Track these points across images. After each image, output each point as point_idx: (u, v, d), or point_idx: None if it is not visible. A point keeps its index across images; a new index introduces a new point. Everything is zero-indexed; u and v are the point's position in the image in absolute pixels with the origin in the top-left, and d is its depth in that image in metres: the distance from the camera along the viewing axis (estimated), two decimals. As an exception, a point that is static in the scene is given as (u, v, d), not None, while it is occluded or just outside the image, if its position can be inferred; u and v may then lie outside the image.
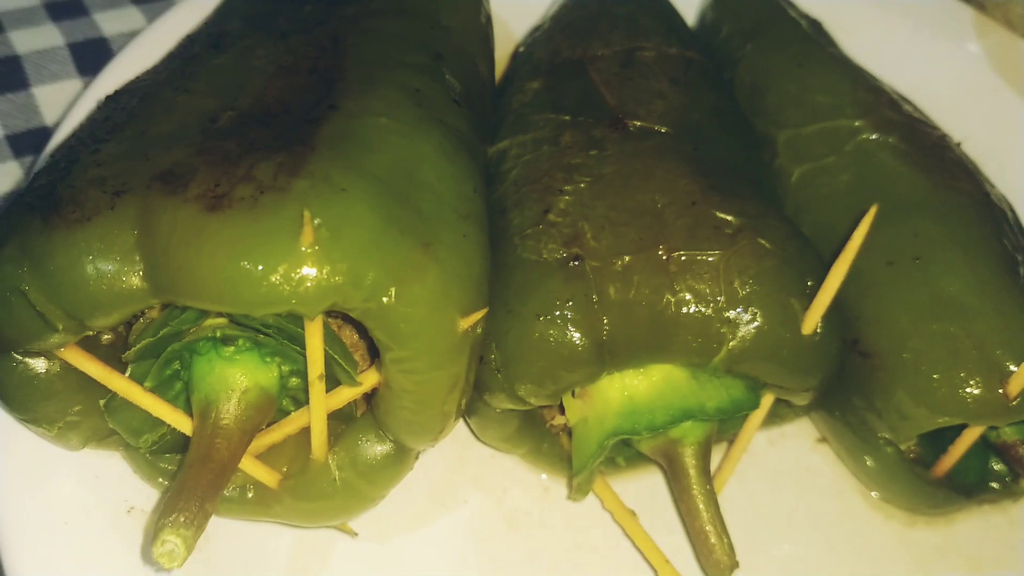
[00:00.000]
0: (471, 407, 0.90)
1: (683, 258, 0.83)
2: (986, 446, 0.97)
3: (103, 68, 1.11)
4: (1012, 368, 0.84)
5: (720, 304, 0.82)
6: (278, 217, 0.68)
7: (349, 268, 0.68)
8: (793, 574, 0.95)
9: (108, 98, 0.89)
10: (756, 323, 0.82)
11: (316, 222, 0.67)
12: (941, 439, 0.94)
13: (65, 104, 1.25)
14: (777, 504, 1.00)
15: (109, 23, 1.36)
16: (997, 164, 1.28)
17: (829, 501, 1.01)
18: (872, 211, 0.79)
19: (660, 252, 0.83)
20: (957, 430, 0.91)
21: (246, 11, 0.99)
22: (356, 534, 0.89)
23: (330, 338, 0.76)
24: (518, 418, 0.91)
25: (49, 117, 1.26)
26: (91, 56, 1.32)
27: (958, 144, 1.09)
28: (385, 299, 0.69)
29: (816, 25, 1.21)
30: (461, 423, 0.97)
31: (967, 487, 0.99)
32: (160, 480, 0.85)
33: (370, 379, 0.77)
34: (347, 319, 0.78)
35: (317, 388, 0.75)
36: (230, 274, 0.66)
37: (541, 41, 1.09)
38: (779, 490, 1.01)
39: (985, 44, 1.44)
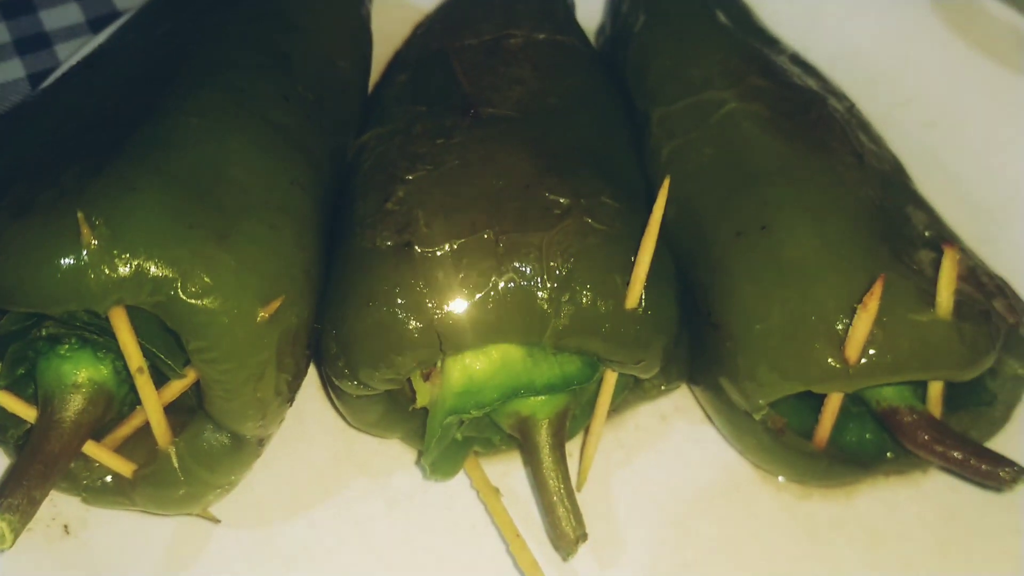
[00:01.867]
0: (338, 394, 0.94)
1: (510, 240, 0.84)
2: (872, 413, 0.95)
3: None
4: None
5: (542, 283, 0.83)
6: (66, 219, 0.72)
7: (130, 264, 0.72)
8: (674, 549, 0.95)
9: (-8, 122, 0.96)
10: (577, 300, 0.82)
11: (98, 221, 0.72)
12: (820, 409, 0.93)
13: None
14: (662, 479, 0.99)
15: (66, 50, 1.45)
16: (947, 120, 1.26)
17: (716, 474, 0.99)
18: (665, 183, 0.79)
19: (487, 236, 0.85)
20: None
21: (133, 30, 1.05)
22: (218, 521, 0.93)
23: (151, 332, 0.80)
24: (381, 403, 0.93)
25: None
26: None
27: (850, 106, 1.06)
28: (172, 292, 0.74)
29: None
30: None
31: (864, 458, 0.97)
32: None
33: (195, 372, 0.81)
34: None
35: (140, 381, 0.80)
36: (22, 275, 0.72)
37: (419, 36, 1.12)
38: (665, 465, 1.00)
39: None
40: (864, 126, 1.03)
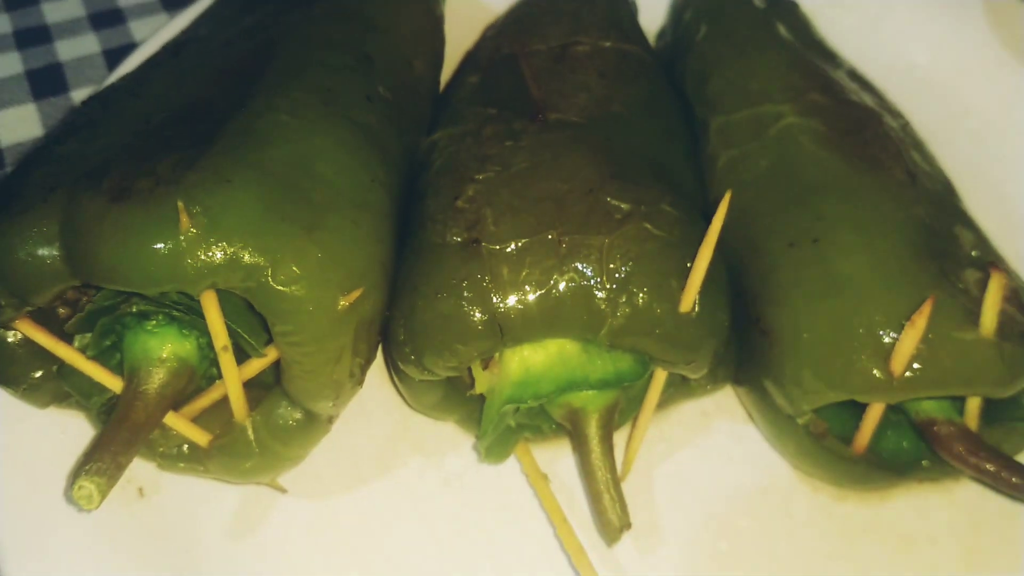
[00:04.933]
0: (401, 377, 0.99)
1: (573, 242, 0.89)
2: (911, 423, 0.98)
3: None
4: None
5: (601, 284, 0.87)
6: (165, 206, 0.78)
7: (225, 251, 0.78)
8: (711, 541, 0.99)
9: (82, 103, 1.01)
10: (633, 302, 0.87)
11: (196, 210, 0.77)
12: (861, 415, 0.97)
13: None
14: (702, 473, 1.04)
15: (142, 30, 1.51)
16: (1001, 138, 1.29)
17: (755, 472, 1.04)
18: (726, 197, 0.83)
19: (551, 236, 0.89)
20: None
21: (215, 19, 1.10)
22: (285, 491, 0.98)
23: (235, 312, 0.85)
24: (441, 388, 0.99)
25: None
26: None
27: (905, 124, 1.09)
28: (263, 279, 0.79)
29: (781, 8, 1.22)
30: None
31: (900, 465, 1.01)
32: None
33: (274, 351, 0.87)
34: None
35: (224, 358, 0.85)
36: (122, 257, 0.77)
37: (490, 38, 1.16)
38: (706, 460, 1.05)
39: (992, 17, 1.42)
40: (918, 145, 1.07)
